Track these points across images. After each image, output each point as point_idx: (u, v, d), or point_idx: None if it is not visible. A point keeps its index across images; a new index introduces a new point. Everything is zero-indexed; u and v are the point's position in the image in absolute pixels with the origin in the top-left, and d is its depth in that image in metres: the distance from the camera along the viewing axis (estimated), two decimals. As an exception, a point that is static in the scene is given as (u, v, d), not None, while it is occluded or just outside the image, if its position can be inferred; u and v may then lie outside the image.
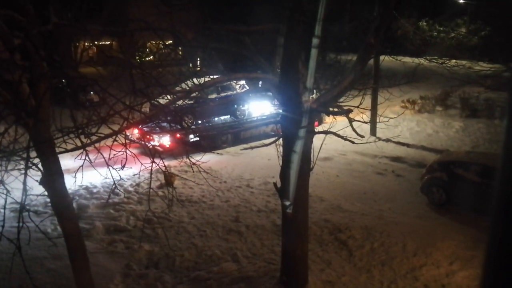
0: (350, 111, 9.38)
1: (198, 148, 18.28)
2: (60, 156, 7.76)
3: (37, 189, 7.76)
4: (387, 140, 23.04)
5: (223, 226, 13.55)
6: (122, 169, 7.61)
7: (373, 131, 23.37)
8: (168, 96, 8.90)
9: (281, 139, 9.75)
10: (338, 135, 9.47)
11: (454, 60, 15.90)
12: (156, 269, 11.47)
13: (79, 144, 7.23)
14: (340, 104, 9.87)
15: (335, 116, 12.32)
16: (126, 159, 7.51)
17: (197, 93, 10.60)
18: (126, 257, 11.92)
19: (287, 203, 9.53)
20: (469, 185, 14.60)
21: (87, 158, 7.31)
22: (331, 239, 12.80)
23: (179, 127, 10.32)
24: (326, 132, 9.59)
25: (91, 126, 7.25)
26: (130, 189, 16.26)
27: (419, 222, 14.11)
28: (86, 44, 7.83)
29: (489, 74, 16.87)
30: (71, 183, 8.58)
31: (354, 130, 9.77)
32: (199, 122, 19.33)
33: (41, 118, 7.18)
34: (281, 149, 9.67)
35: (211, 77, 10.95)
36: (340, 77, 9.74)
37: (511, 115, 1.70)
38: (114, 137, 7.54)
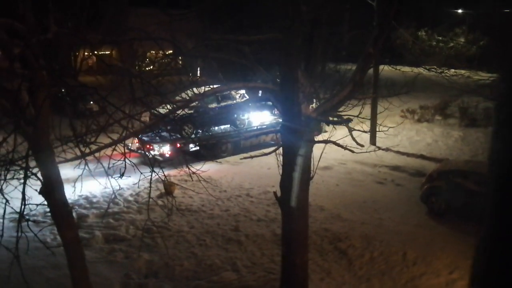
0: (350, 120, 9.38)
1: (198, 157, 18.29)
2: (59, 165, 7.76)
3: (36, 198, 7.75)
4: (387, 149, 23.04)
5: (222, 236, 13.53)
6: (121, 178, 7.61)
7: (372, 141, 23.36)
8: (168, 105, 8.90)
9: (281, 148, 9.74)
10: (338, 144, 9.45)
11: (453, 70, 15.93)
12: (156, 279, 11.43)
13: (78, 153, 7.23)
14: (340, 113, 9.87)
15: (334, 126, 12.34)
16: (125, 168, 7.51)
17: (197, 102, 10.62)
18: (126, 267, 11.89)
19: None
20: (468, 194, 14.59)
21: (86, 167, 7.30)
22: (331, 248, 12.78)
23: (179, 136, 10.36)
24: (325, 142, 9.58)
25: (90, 135, 7.24)
26: (130, 198, 16.23)
27: (419, 231, 14.09)
28: (86, 53, 7.85)
29: (488, 84, 16.90)
30: (70, 192, 8.56)
31: (354, 139, 9.76)
32: (199, 131, 19.34)
33: (41, 127, 7.18)
34: (281, 158, 9.66)
35: (211, 86, 10.97)
36: (339, 86, 9.75)
37: (497, 123, 1.74)
38: (113, 146, 7.54)
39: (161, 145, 19.09)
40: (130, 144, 17.48)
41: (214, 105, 21.47)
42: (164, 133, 13.02)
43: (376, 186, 18.48)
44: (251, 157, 11.67)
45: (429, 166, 19.97)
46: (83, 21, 7.12)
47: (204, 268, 11.81)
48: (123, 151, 7.71)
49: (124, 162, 7.60)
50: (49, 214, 9.60)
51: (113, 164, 7.58)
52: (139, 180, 8.65)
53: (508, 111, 1.73)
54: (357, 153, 9.99)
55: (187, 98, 9.61)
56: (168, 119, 9.13)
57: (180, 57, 11.16)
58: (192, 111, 14.12)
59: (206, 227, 14.10)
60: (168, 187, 15.05)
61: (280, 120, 9.89)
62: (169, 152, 19.14)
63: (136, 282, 11.25)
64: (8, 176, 6.94)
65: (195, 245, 12.99)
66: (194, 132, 18.50)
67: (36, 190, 7.53)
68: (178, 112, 9.50)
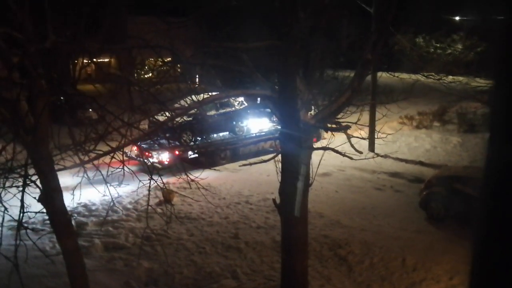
0: (348, 127, 9.40)
1: (197, 164, 18.27)
2: (58, 173, 7.75)
3: (35, 206, 7.74)
4: (386, 156, 23.05)
5: (222, 243, 13.50)
6: (119, 186, 7.61)
7: (371, 147, 23.37)
8: (167, 113, 8.92)
9: (279, 155, 9.76)
10: (337, 151, 9.47)
11: (451, 76, 16.02)
12: (156, 286, 11.41)
13: (77, 161, 7.23)
14: (338, 120, 9.89)
15: (333, 132, 12.35)
16: (124, 175, 7.51)
17: (195, 110, 10.63)
18: (125, 275, 11.85)
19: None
20: (467, 199, 14.58)
21: (85, 175, 7.30)
22: (330, 255, 12.76)
23: (177, 143, 10.35)
24: (324, 148, 9.60)
25: (89, 143, 7.25)
26: (129, 206, 16.20)
27: (418, 237, 14.08)
28: (85, 61, 7.87)
29: (486, 90, 16.93)
30: (69, 200, 8.56)
31: (352, 146, 9.78)
32: (198, 138, 19.35)
33: (40, 135, 7.18)
34: (280, 165, 9.67)
35: (210, 94, 11.00)
36: (338, 93, 9.78)
37: (492, 128, 1.75)
38: (112, 154, 7.55)
39: (159, 152, 19.06)
40: (129, 152, 17.47)
41: (212, 112, 21.48)
42: (163, 141, 13.00)
43: (375, 193, 18.48)
44: (250, 164, 11.68)
45: (427, 172, 19.99)
46: (81, 29, 7.14)
47: (203, 276, 11.78)
48: (122, 159, 7.70)
49: (123, 169, 7.60)
50: (48, 222, 9.59)
51: (112, 172, 7.59)
52: (138, 188, 8.67)
53: (501, 116, 1.75)
54: (356, 159, 10.01)
55: (186, 105, 9.61)
56: (167, 126, 9.15)
57: (178, 65, 11.19)
58: (190, 119, 14.13)
59: (206, 235, 14.08)
60: (167, 194, 15.05)
61: (279, 127, 9.91)
62: (168, 160, 19.11)
63: (135, 290, 11.23)
64: (7, 184, 6.94)
65: (194, 253, 12.96)
66: (193, 139, 18.50)
67: (35, 198, 7.52)
68: (177, 119, 9.51)
